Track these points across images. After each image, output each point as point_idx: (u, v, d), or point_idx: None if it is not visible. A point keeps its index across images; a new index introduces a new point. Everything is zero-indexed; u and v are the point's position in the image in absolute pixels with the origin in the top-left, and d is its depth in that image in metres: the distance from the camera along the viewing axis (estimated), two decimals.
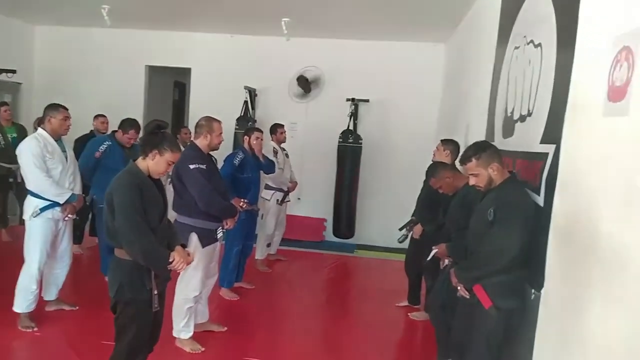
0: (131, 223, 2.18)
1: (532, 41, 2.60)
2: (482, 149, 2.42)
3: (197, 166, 3.10)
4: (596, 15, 1.82)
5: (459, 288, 2.49)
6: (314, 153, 6.54)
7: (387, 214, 6.49)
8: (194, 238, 3.14)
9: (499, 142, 3.02)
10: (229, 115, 5.96)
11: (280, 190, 5.17)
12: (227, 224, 3.35)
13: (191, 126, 6.38)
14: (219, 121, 3.31)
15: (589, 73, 1.83)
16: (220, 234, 3.29)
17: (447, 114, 5.66)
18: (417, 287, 4.31)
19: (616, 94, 1.57)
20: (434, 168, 3.40)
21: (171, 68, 7.32)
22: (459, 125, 4.51)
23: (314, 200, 6.56)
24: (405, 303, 4.36)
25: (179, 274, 2.41)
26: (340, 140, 6.12)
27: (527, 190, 2.32)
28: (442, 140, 3.98)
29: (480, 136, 3.56)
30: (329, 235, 6.51)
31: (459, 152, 3.94)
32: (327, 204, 6.50)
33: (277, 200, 5.15)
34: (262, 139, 4.43)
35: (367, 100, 6.40)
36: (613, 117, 1.58)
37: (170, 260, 2.29)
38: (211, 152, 3.36)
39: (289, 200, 5.41)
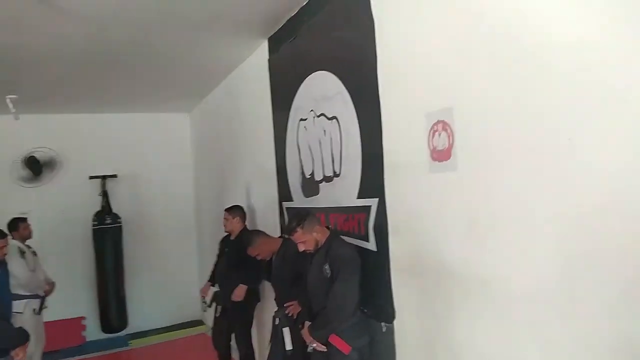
0: None
1: (323, 114, 3.06)
2: (303, 219, 2.71)
3: None
4: (399, 97, 2.35)
5: (314, 345, 2.65)
6: (57, 243, 5.60)
7: (159, 291, 6.10)
8: None
9: (302, 200, 3.37)
10: None
11: (36, 296, 4.24)
12: (17, 356, 2.61)
13: None
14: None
15: (402, 141, 2.33)
16: None
17: (209, 180, 5.79)
18: (228, 358, 4.20)
19: (440, 155, 2.08)
20: (249, 238, 3.54)
21: None
22: (236, 189, 4.71)
23: (67, 298, 5.53)
24: None
25: None
26: (96, 222, 5.45)
27: (346, 240, 2.70)
28: (227, 209, 4.10)
29: (272, 197, 3.87)
30: (92, 334, 5.59)
31: (245, 215, 4.15)
32: (84, 299, 5.65)
33: (34, 309, 4.20)
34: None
35: (115, 176, 5.94)
36: (441, 173, 2.08)
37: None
38: None
39: (46, 307, 4.46)
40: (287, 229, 2.84)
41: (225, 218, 4.02)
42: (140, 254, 5.96)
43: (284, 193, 3.69)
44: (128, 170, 6.08)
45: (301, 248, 2.75)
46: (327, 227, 2.80)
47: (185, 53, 4.06)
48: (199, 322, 6.16)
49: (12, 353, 2.58)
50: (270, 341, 3.28)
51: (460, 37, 1.94)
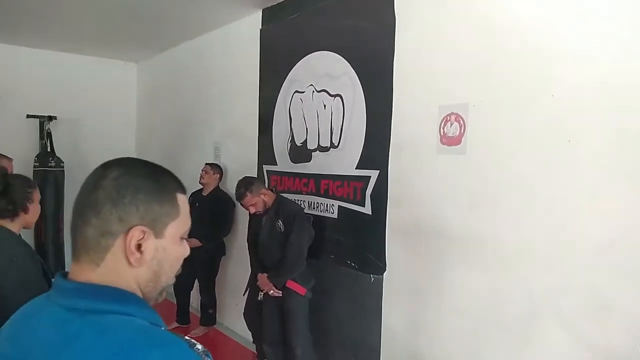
0: None
1: (325, 90, 3.41)
2: (251, 183, 3.14)
3: None
4: (413, 87, 2.80)
5: (270, 292, 3.14)
6: None
7: None
8: None
9: (289, 166, 3.70)
10: None
11: None
12: None
13: None
14: (9, 158, 2.66)
15: (412, 125, 2.79)
16: None
17: (159, 135, 5.76)
18: (187, 307, 4.42)
19: (450, 140, 2.58)
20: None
21: None
22: (201, 148, 4.84)
23: None
24: (175, 325, 4.38)
25: None
26: (37, 164, 5.18)
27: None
28: (208, 164, 4.29)
29: (250, 159, 4.12)
30: None
31: (222, 175, 4.36)
32: None
33: None
34: None
35: (55, 118, 5.65)
36: (449, 155, 2.58)
37: None
38: None
39: None
40: (236, 195, 3.18)
41: (205, 171, 4.19)
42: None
43: (266, 157, 3.97)
44: (67, 113, 5.79)
45: (252, 210, 3.20)
46: (272, 190, 3.24)
47: (162, 5, 4.02)
48: None
49: None
50: (247, 289, 3.61)
51: (479, 42, 2.43)
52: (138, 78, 6.40)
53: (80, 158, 5.84)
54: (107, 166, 0.83)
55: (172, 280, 0.88)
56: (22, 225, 1.84)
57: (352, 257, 3.16)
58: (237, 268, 4.28)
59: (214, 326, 4.39)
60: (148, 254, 0.82)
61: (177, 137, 5.37)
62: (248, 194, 3.08)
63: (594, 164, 2.02)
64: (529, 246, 2.23)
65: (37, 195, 1.88)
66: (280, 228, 3.15)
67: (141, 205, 0.81)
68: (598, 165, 2.01)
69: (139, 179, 0.83)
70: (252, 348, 3.82)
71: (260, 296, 3.27)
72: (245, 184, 3.13)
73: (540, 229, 2.19)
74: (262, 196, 3.12)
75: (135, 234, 0.80)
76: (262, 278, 3.20)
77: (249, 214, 3.34)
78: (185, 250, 0.88)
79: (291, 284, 3.11)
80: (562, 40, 2.12)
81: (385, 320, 2.95)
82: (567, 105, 2.10)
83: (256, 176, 4.06)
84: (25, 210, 1.81)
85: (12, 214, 1.77)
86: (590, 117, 2.02)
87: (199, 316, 4.38)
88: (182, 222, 0.86)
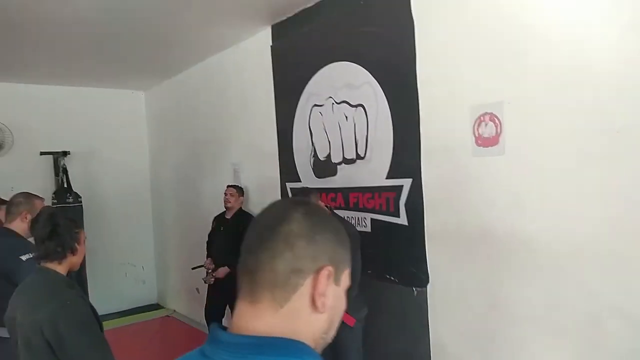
0: (100, 341, 1.66)
1: (345, 102, 3.33)
2: (308, 193, 3.00)
3: (30, 256, 2.34)
4: (440, 91, 2.70)
5: None
6: None
7: (116, 274, 5.91)
8: None
9: (313, 181, 3.61)
10: None
11: None
12: None
13: None
14: (41, 198, 2.61)
15: (442, 129, 2.69)
16: None
17: (175, 162, 5.71)
18: None
19: (486, 141, 2.48)
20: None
21: None
22: (221, 169, 4.77)
23: None
24: None
25: None
26: (55, 201, 5.14)
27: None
28: (232, 186, 4.24)
29: (271, 177, 4.04)
30: None
31: (244, 194, 4.29)
32: None
33: None
34: None
35: (68, 153, 5.62)
36: (486, 157, 2.48)
37: None
38: None
39: None
40: None
41: (230, 194, 4.11)
42: (96, 237, 5.71)
43: (289, 174, 3.88)
44: (80, 147, 5.77)
45: None
46: (327, 206, 3.12)
47: (169, 32, 4.01)
48: (156, 306, 6.10)
49: None
50: None
51: (508, 36, 2.33)
52: (147, 106, 6.37)
53: (97, 191, 5.82)
54: (292, 201, 0.77)
55: (333, 338, 0.78)
56: (69, 267, 1.78)
57: (392, 270, 3.05)
58: None
59: None
60: (330, 299, 0.73)
61: (193, 161, 5.31)
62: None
63: None
64: (585, 245, 2.11)
65: (83, 236, 1.83)
66: None
67: (329, 244, 0.74)
68: None
69: (325, 217, 0.75)
70: None
71: None
72: (303, 193, 2.98)
73: (596, 226, 2.07)
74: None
75: (325, 274, 0.72)
76: None
77: None
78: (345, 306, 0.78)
79: None
80: (602, 25, 2.02)
81: (433, 335, 2.83)
82: (612, 94, 2.00)
83: (280, 195, 3.98)
84: (74, 251, 1.76)
85: (61, 256, 1.71)
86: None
87: None
88: (349, 273, 0.79)
